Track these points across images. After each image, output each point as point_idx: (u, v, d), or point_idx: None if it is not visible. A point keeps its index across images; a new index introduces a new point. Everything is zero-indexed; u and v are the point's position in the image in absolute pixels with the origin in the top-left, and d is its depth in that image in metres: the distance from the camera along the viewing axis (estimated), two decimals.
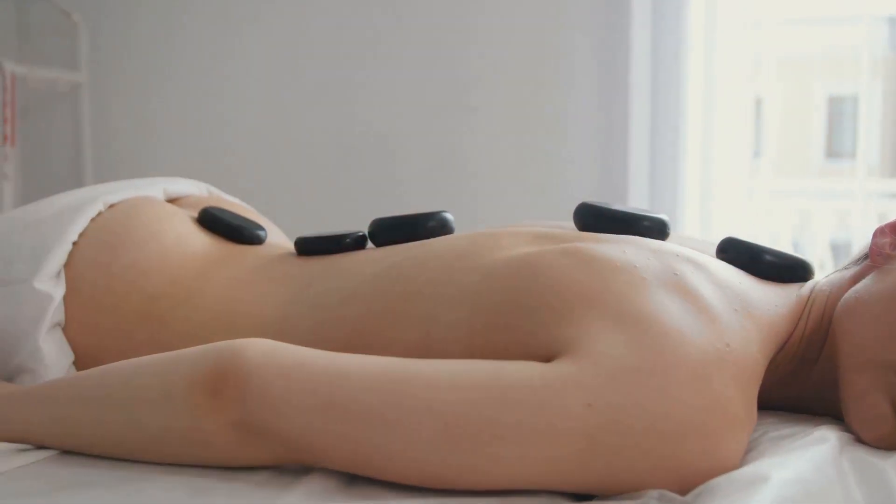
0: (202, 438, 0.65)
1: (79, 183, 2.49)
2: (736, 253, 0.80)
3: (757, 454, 0.67)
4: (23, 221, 0.91)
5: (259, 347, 0.65)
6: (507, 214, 2.16)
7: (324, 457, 0.64)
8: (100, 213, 0.92)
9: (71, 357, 0.86)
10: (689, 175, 2.09)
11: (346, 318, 0.79)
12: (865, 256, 0.80)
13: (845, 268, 0.82)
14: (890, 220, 0.79)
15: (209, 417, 0.64)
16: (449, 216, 0.90)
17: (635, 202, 2.08)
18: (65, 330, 0.87)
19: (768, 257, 0.80)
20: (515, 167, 2.17)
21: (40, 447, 0.72)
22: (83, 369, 0.87)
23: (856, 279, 0.77)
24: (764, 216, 2.30)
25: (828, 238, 2.72)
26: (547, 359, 0.65)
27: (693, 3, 2.04)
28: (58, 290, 0.85)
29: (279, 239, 1.09)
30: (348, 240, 0.90)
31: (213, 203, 1.05)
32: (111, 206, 0.93)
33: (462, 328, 0.72)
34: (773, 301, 0.75)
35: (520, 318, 0.69)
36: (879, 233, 0.78)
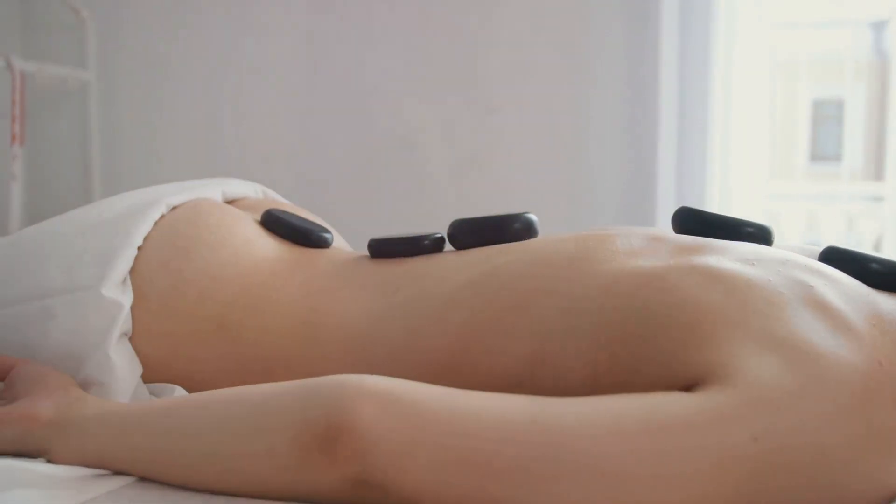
0: (310, 489, 0.59)
1: (86, 185, 2.43)
2: (841, 262, 0.75)
3: None
4: (81, 225, 0.86)
5: (374, 393, 0.58)
6: None
7: None
8: (162, 216, 0.87)
9: (140, 369, 0.81)
10: (717, 177, 2.06)
11: (446, 327, 0.73)
12: None
13: None
14: None
15: (319, 474, 0.58)
16: (534, 217, 0.85)
17: (663, 205, 2.04)
18: (131, 340, 0.81)
19: (874, 265, 0.74)
20: (540, 170, 2.13)
21: (117, 473, 0.67)
22: (152, 381, 0.82)
23: None
24: (772, 218, 2.29)
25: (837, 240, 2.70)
26: (687, 382, 0.60)
27: (721, 4, 2.01)
28: (126, 298, 0.80)
29: (339, 242, 1.04)
30: (427, 241, 0.85)
31: (269, 205, 1.00)
32: (173, 208, 0.88)
33: (583, 343, 0.67)
34: None
35: (652, 338, 0.64)
36: None
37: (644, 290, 0.66)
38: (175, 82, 2.41)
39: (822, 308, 0.63)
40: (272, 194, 1.06)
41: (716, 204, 2.08)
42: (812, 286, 0.65)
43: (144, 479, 0.66)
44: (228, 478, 0.62)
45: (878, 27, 2.53)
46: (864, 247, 2.30)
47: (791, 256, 0.69)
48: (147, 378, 0.82)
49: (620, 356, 0.65)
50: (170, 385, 0.81)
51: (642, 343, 0.64)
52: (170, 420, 0.66)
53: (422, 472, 0.56)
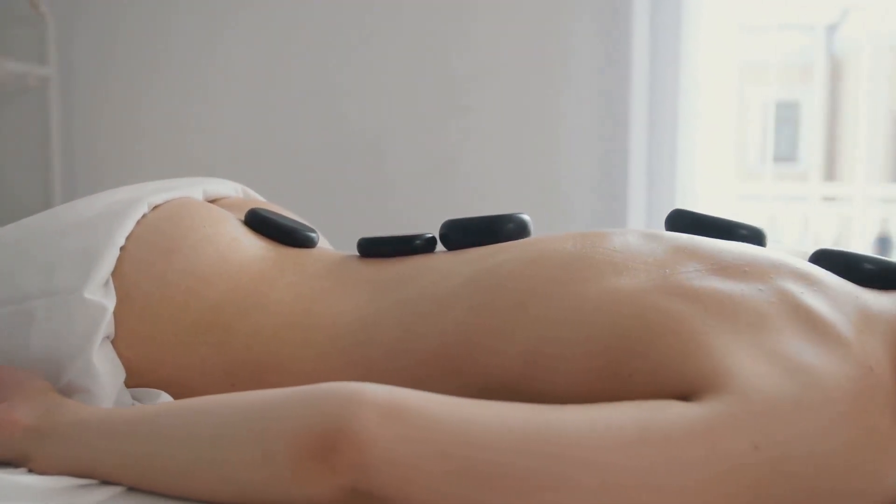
0: (306, 501, 0.57)
1: (46, 183, 2.37)
2: (830, 263, 0.76)
3: None
4: (59, 225, 0.83)
5: (374, 401, 0.56)
6: None
7: None
8: (144, 216, 0.84)
9: (123, 374, 0.78)
10: (688, 178, 2.07)
11: (444, 327, 0.72)
12: None
13: None
14: None
15: (316, 483, 0.56)
16: (527, 217, 0.84)
17: (634, 205, 2.04)
18: (114, 343, 0.78)
19: (867, 265, 0.75)
20: (510, 169, 2.12)
21: (105, 482, 0.65)
22: (136, 386, 0.79)
23: None
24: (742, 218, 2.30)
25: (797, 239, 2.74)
26: (682, 391, 0.60)
27: (692, 5, 2.02)
28: (109, 301, 0.77)
29: (324, 241, 1.02)
30: (418, 241, 0.84)
31: (251, 205, 0.98)
32: (155, 207, 0.86)
33: (578, 348, 0.66)
34: (891, 309, 0.71)
35: (647, 348, 0.64)
36: None
37: (638, 305, 0.65)
38: (137, 79, 2.36)
39: (811, 318, 0.63)
40: (252, 193, 1.04)
41: (687, 205, 2.09)
42: (801, 293, 0.65)
43: (133, 488, 0.63)
44: (222, 486, 0.60)
45: (831, 30, 2.57)
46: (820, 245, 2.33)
47: (783, 260, 0.70)
48: (131, 383, 0.79)
49: (614, 364, 0.65)
50: (154, 390, 0.78)
51: (636, 352, 0.64)
52: (161, 426, 0.63)
53: (424, 482, 0.55)
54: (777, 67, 2.30)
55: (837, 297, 0.67)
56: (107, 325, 0.76)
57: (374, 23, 2.18)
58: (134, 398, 0.78)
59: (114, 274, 0.79)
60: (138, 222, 0.83)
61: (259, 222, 0.89)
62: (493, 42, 2.11)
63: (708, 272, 0.68)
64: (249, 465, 0.58)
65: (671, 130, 2.05)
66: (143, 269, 0.79)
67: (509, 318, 0.70)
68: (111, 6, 2.37)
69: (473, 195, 2.13)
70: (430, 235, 0.85)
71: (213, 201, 0.97)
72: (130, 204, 0.83)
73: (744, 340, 0.61)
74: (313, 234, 0.90)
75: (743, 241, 0.78)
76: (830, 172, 2.50)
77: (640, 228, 0.79)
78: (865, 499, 0.58)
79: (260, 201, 1.02)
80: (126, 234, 0.81)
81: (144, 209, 0.84)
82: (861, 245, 2.20)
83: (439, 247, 0.86)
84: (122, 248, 0.80)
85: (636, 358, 0.64)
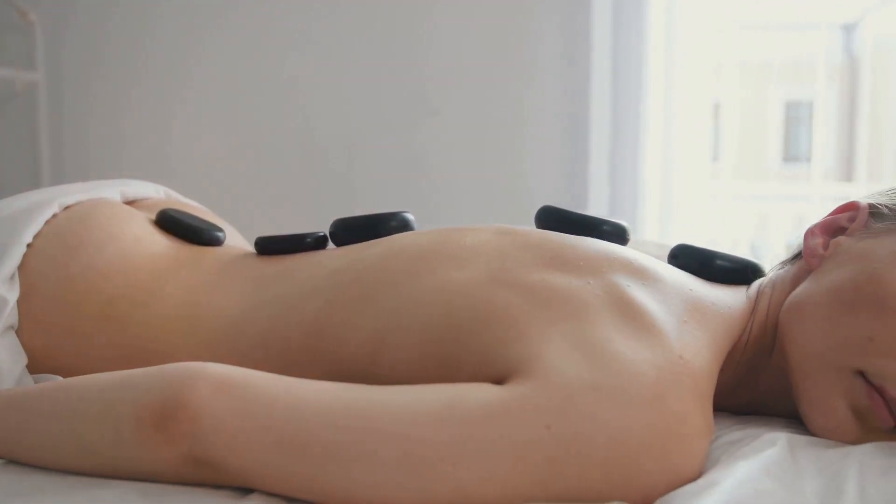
0: (151, 467, 0.64)
1: (35, 185, 2.45)
2: (686, 258, 0.81)
3: (712, 461, 0.67)
4: None
5: (210, 378, 0.63)
6: (470, 217, 2.16)
7: (280, 490, 0.62)
8: (55, 215, 0.91)
9: (25, 360, 0.85)
10: (650, 178, 2.11)
11: (304, 315, 0.79)
12: (799, 254, 0.81)
13: (781, 267, 0.83)
14: (818, 220, 0.80)
15: (157, 450, 0.63)
16: (410, 216, 0.90)
17: (596, 205, 2.10)
18: (18, 332, 0.85)
19: (719, 262, 0.81)
20: (477, 170, 2.18)
21: None
22: (38, 372, 0.86)
23: (795, 281, 0.78)
24: (723, 219, 2.33)
25: (784, 241, 2.75)
26: (500, 376, 0.65)
27: (654, 6, 2.06)
28: (12, 294, 0.84)
29: (237, 240, 1.09)
30: (309, 240, 0.90)
31: (170, 205, 1.05)
32: (67, 207, 0.92)
33: (417, 336, 0.72)
34: (726, 302, 0.75)
35: (474, 336, 0.69)
36: (810, 234, 0.78)
37: (470, 296, 0.71)
38: (123, 83, 2.44)
39: (631, 309, 0.67)
40: (174, 195, 1.10)
41: (657, 205, 2.13)
42: (628, 286, 0.69)
43: (12, 461, 0.70)
44: (84, 457, 0.67)
45: (849, 29, 2.57)
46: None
47: (620, 256, 0.74)
48: (34, 369, 0.85)
49: (447, 351, 0.70)
50: (53, 376, 0.84)
51: (465, 341, 0.69)
52: (32, 402, 0.69)
53: (247, 451, 0.61)
54: (784, 66, 2.31)
55: (667, 291, 0.71)
56: (8, 316, 0.83)
57: (344, 27, 2.25)
58: (35, 383, 0.85)
59: (20, 269, 0.86)
60: (48, 221, 0.89)
61: (168, 221, 0.96)
62: (461, 45, 2.17)
63: (543, 266, 0.72)
64: (102, 434, 0.65)
65: (633, 127, 2.09)
66: (47, 265, 0.86)
67: (357, 309, 0.76)
68: (98, 13, 2.45)
69: (443, 195, 2.20)
70: (322, 234, 0.91)
71: (133, 202, 1.04)
72: (42, 204, 0.90)
73: (560, 329, 0.65)
74: (220, 234, 0.97)
75: (605, 236, 0.83)
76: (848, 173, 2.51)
77: (499, 224, 0.84)
78: (660, 479, 0.61)
79: (180, 202, 1.09)
80: (34, 232, 0.88)
81: (55, 209, 0.91)
82: None
83: (331, 245, 0.92)
84: (29, 246, 0.87)
85: (465, 346, 0.69)
